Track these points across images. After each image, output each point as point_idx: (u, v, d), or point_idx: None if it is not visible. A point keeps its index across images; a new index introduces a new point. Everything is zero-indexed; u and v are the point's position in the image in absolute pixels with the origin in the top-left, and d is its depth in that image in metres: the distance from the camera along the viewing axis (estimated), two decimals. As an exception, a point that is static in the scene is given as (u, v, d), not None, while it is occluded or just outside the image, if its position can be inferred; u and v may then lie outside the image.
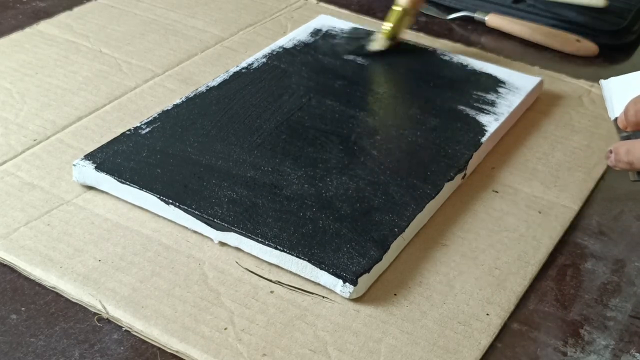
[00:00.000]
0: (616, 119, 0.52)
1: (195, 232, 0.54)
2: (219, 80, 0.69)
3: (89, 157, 0.58)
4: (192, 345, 0.46)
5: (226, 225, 0.53)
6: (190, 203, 0.54)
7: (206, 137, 0.61)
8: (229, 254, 0.53)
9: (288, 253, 0.51)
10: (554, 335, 0.49)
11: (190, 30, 0.81)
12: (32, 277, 0.51)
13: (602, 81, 0.52)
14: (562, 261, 0.55)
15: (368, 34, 0.77)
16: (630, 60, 0.83)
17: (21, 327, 0.48)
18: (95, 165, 0.57)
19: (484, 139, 0.63)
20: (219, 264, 0.52)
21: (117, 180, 0.56)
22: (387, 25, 0.75)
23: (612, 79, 0.51)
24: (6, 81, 0.71)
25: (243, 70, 0.71)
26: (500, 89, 0.70)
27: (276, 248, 0.51)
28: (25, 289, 0.50)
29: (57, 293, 0.50)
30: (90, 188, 0.58)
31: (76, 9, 0.84)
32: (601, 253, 0.56)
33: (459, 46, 0.82)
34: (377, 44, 0.75)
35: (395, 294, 0.51)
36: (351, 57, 0.74)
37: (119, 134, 0.61)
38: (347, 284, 0.49)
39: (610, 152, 0.50)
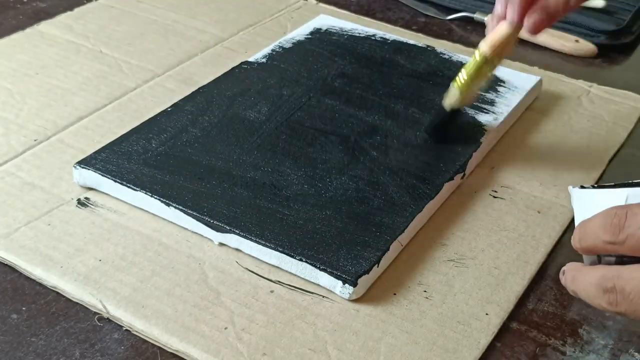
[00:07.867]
0: None
1: (195, 232, 0.55)
2: (218, 81, 0.69)
3: (89, 159, 0.58)
4: (193, 345, 0.47)
5: (226, 227, 0.53)
6: (191, 205, 0.54)
7: (206, 137, 0.61)
8: (229, 254, 0.53)
9: (288, 254, 0.51)
10: (553, 334, 0.49)
11: (190, 30, 0.82)
12: (32, 277, 0.51)
13: (570, 188, 0.45)
14: (561, 261, 0.55)
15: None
16: (629, 60, 0.83)
17: (22, 327, 0.48)
18: (95, 167, 0.57)
19: (483, 139, 0.63)
20: (219, 264, 0.52)
21: (118, 183, 0.56)
22: (462, 75, 0.60)
23: (577, 190, 0.44)
24: (7, 81, 0.71)
25: (243, 71, 0.71)
26: (499, 88, 0.70)
27: (276, 249, 0.51)
28: (25, 288, 0.51)
29: (57, 293, 0.50)
30: (91, 188, 0.58)
31: (77, 10, 0.84)
32: (600, 253, 0.56)
33: (458, 46, 0.82)
34: (450, 98, 0.61)
35: (394, 294, 0.51)
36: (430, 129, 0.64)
37: (119, 134, 0.62)
38: (346, 285, 0.49)
39: (564, 272, 0.45)
